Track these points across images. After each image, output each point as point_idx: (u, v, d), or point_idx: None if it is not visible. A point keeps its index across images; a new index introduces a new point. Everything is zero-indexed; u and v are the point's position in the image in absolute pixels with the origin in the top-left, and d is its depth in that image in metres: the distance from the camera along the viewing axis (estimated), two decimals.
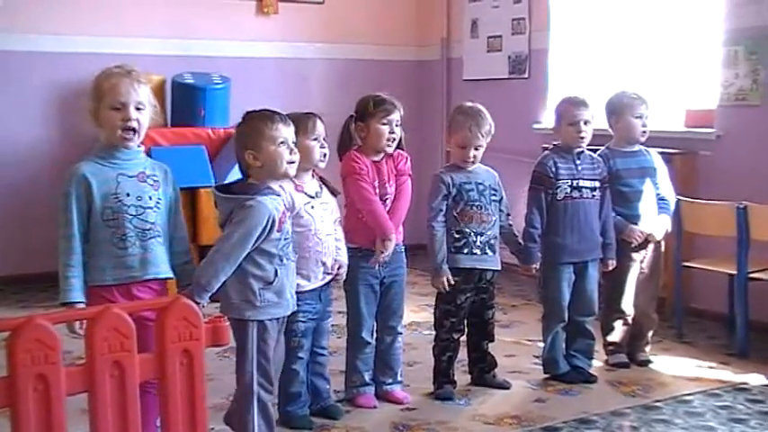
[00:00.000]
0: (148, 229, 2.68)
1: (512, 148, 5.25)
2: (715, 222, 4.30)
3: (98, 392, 2.05)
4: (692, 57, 5.16)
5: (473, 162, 3.60)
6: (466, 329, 3.71)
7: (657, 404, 3.55)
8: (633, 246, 3.95)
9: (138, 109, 2.65)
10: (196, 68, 5.88)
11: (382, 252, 3.42)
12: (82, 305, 2.60)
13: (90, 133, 2.96)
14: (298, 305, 3.13)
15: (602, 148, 4.05)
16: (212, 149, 5.43)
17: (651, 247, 4.02)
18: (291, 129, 2.84)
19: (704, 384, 3.78)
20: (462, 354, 3.76)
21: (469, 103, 3.68)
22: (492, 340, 3.78)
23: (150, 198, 2.69)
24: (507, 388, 3.74)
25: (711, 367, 4.01)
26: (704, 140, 4.86)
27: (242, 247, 2.70)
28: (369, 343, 3.54)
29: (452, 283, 3.55)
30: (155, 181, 2.72)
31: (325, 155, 3.26)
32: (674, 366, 4.02)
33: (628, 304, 4.01)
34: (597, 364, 3.98)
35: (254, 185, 2.80)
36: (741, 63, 4.69)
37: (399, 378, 3.63)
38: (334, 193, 3.33)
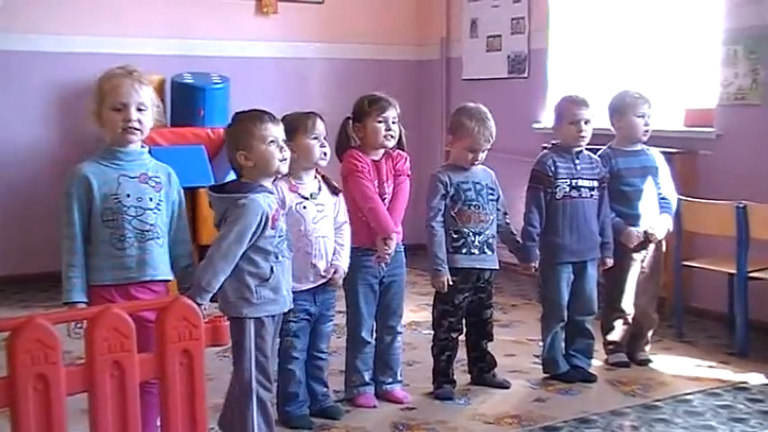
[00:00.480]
0: (147, 231, 2.69)
1: (511, 148, 5.25)
2: (715, 222, 4.30)
3: (98, 392, 2.05)
4: (691, 56, 5.16)
5: (477, 164, 3.62)
6: (464, 329, 3.72)
7: (657, 403, 3.55)
8: (633, 246, 3.95)
9: (139, 110, 2.66)
10: (196, 68, 5.88)
11: (385, 250, 3.42)
12: (83, 305, 2.61)
13: (90, 133, 2.97)
14: None
15: (605, 147, 4.05)
16: (212, 149, 5.42)
17: (652, 246, 4.02)
18: (281, 127, 2.87)
19: (704, 384, 3.78)
20: (462, 353, 3.77)
21: (472, 105, 3.67)
22: (491, 340, 3.78)
23: (151, 199, 2.69)
24: (507, 387, 3.74)
25: (711, 366, 4.02)
26: (704, 140, 4.86)
27: (239, 244, 2.72)
28: (368, 343, 3.54)
29: (452, 283, 3.55)
30: (156, 183, 2.73)
31: (325, 153, 3.26)
32: (673, 366, 4.03)
33: (628, 303, 4.01)
34: (597, 363, 3.99)
35: (246, 184, 2.82)
36: (741, 62, 4.69)
37: (399, 378, 3.63)
38: (335, 191, 3.33)
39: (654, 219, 3.99)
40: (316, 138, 3.23)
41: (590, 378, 3.82)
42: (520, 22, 6.12)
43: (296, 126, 3.20)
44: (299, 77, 6.49)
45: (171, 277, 2.78)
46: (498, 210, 3.68)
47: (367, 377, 3.55)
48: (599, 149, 4.01)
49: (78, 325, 2.49)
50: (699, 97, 5.04)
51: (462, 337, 3.73)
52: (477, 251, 3.58)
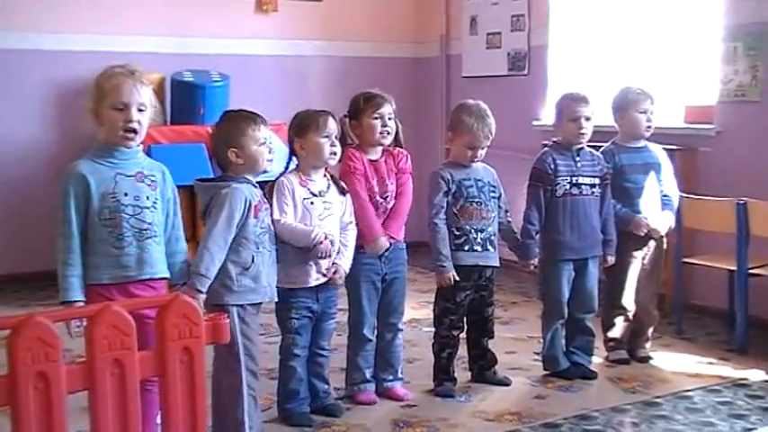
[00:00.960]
0: (145, 229, 2.69)
1: (511, 145, 5.25)
2: (715, 218, 4.30)
3: (98, 390, 2.05)
4: (691, 53, 5.16)
5: (477, 161, 3.61)
6: (465, 326, 3.72)
7: (658, 400, 3.55)
8: (635, 241, 3.95)
9: (139, 110, 2.66)
10: (195, 66, 5.88)
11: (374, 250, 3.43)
12: (81, 304, 2.60)
13: (89, 132, 2.96)
14: (290, 300, 3.16)
15: (608, 143, 4.05)
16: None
17: (653, 243, 4.02)
18: (269, 129, 3.00)
19: (704, 380, 3.78)
20: (462, 351, 3.76)
21: (472, 102, 3.66)
22: (492, 337, 3.78)
23: (147, 198, 2.70)
24: (507, 385, 3.74)
25: (711, 363, 4.02)
26: (704, 136, 4.86)
27: (228, 229, 2.84)
28: (370, 340, 3.54)
29: (457, 279, 3.55)
30: (152, 181, 2.73)
31: (335, 153, 3.26)
32: (674, 362, 4.03)
33: (629, 300, 4.01)
34: (597, 360, 3.99)
35: (231, 177, 2.94)
36: (740, 59, 4.69)
37: (400, 375, 3.63)
38: (343, 191, 3.33)
39: (655, 215, 3.99)
40: (327, 137, 3.23)
41: (590, 375, 3.82)
42: (520, 20, 6.11)
43: (308, 124, 3.22)
44: (298, 75, 6.49)
45: (168, 275, 2.78)
46: (500, 207, 3.68)
47: (368, 374, 3.55)
48: (601, 146, 4.01)
49: (78, 323, 2.49)
50: (699, 94, 5.04)
51: (463, 335, 3.73)
52: (479, 248, 3.58)
